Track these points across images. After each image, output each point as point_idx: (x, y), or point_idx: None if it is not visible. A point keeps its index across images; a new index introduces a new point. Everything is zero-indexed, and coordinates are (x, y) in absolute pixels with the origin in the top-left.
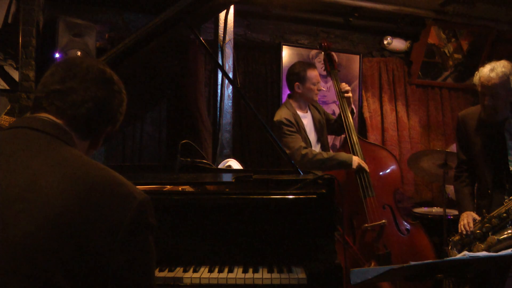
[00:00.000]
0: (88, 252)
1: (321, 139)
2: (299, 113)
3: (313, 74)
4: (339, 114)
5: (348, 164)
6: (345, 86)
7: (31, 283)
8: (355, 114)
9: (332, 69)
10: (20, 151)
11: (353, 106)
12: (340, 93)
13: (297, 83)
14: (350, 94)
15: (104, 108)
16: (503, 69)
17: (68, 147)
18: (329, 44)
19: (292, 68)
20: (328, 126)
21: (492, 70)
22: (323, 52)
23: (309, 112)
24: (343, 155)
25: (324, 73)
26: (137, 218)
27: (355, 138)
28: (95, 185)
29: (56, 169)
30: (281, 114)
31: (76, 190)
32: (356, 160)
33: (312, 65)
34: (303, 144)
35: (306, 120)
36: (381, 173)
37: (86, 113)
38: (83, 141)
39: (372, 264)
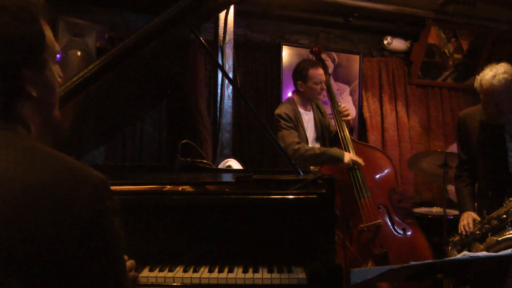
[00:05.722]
0: (45, 245)
1: (320, 139)
2: (301, 110)
3: (315, 73)
4: (336, 134)
5: (340, 159)
6: (344, 108)
7: None
8: (354, 132)
9: (324, 74)
10: None
11: (351, 124)
12: (338, 114)
13: (299, 81)
14: (350, 117)
15: None
16: (505, 75)
17: (17, 135)
18: (320, 48)
19: (296, 66)
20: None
21: (494, 77)
22: (314, 57)
23: (311, 111)
24: (335, 151)
25: None
26: (94, 204)
27: (351, 150)
28: (44, 174)
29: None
30: (282, 109)
31: (28, 180)
32: (347, 156)
33: (316, 64)
34: (296, 140)
35: (307, 118)
36: (375, 174)
37: None
38: (13, 109)
39: (369, 264)
